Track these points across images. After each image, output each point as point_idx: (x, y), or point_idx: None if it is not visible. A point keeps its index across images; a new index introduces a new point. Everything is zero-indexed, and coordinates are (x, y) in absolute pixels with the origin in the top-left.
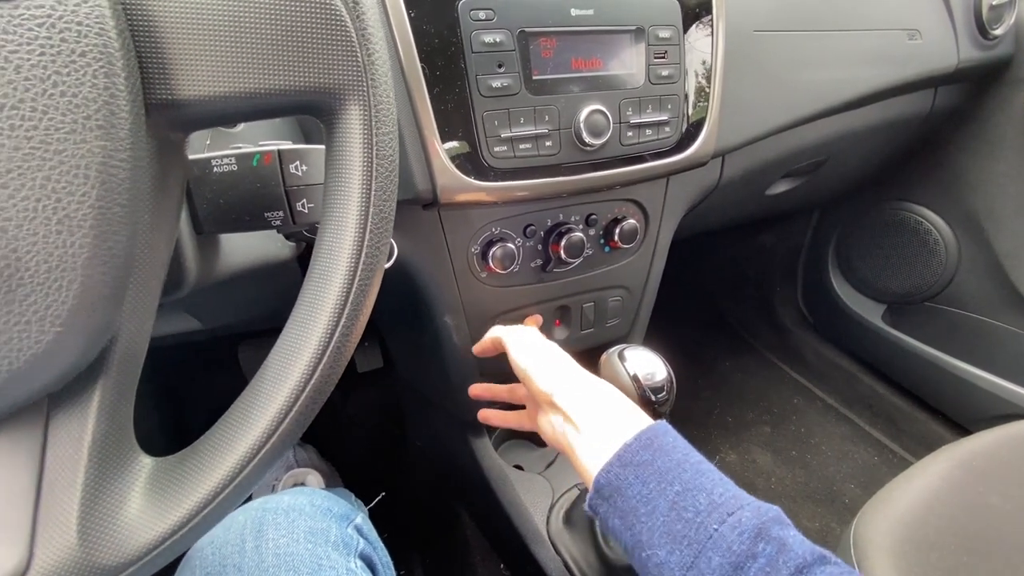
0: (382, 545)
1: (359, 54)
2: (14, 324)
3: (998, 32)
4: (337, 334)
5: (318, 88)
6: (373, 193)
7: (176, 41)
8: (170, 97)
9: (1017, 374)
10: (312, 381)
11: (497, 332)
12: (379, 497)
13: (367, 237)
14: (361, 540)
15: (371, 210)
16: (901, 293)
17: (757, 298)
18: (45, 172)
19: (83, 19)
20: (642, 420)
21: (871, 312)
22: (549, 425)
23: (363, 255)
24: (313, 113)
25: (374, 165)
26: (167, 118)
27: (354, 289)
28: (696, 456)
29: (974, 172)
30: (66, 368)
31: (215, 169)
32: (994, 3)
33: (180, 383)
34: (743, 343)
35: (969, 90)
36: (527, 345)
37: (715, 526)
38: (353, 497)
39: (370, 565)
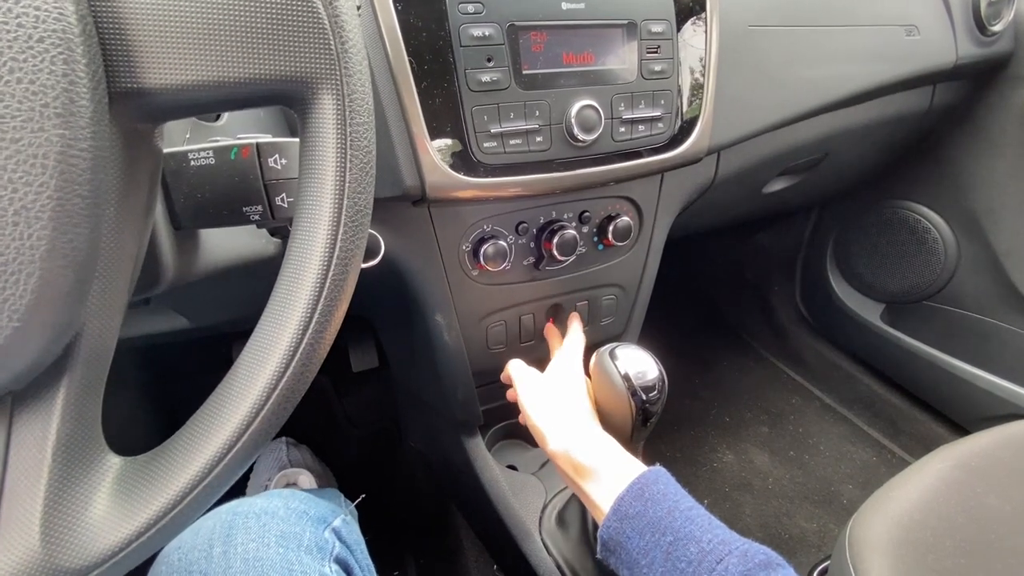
0: (363, 548)
1: (332, 42)
2: None
3: (997, 28)
4: (310, 331)
5: (289, 77)
6: (347, 185)
7: (141, 28)
8: (135, 86)
9: (1016, 374)
10: (284, 379)
11: (512, 372)
12: (360, 498)
13: (341, 231)
14: (337, 544)
15: (345, 203)
16: (900, 292)
17: (755, 297)
18: (0, 161)
19: (41, 3)
20: (635, 469)
21: (870, 311)
22: (563, 472)
23: (337, 249)
24: (286, 103)
25: (348, 156)
26: (133, 107)
27: (327, 285)
28: (686, 502)
29: (973, 170)
30: (26, 365)
31: (192, 162)
32: None
33: (174, 382)
34: (741, 342)
35: (968, 87)
36: (537, 398)
37: (705, 575)
38: (342, 498)
39: (346, 569)
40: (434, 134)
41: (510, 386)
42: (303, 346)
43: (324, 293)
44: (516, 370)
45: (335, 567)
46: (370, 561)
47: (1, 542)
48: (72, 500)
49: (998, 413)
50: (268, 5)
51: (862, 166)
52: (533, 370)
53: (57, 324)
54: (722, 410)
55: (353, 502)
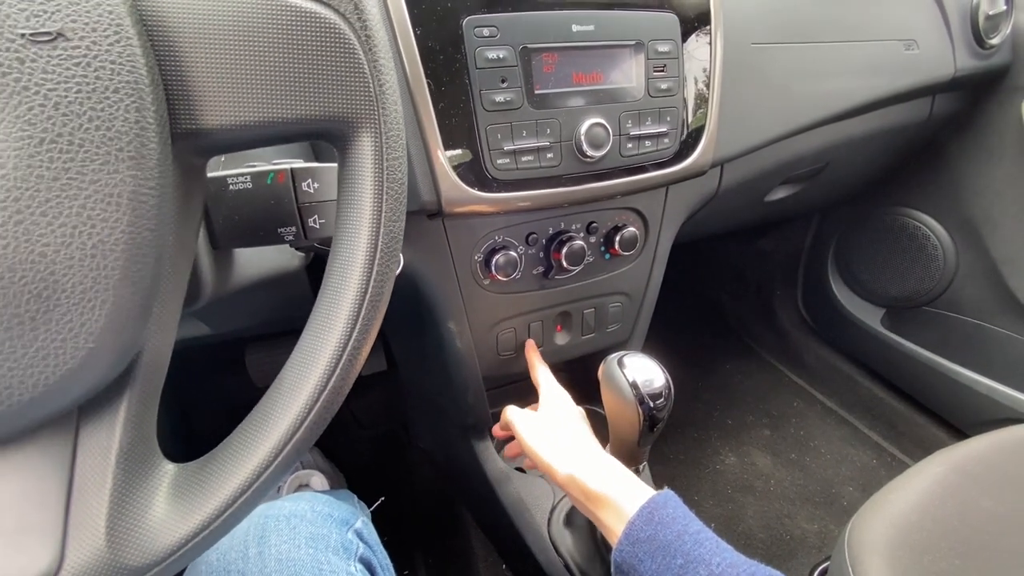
0: (382, 548)
1: (371, 85)
2: (51, 341)
3: (994, 42)
4: (350, 346)
5: (332, 117)
6: (384, 215)
7: (200, 75)
8: (194, 127)
9: (1014, 378)
10: (326, 390)
11: (509, 417)
12: (379, 501)
13: (378, 255)
14: (361, 544)
15: (382, 230)
16: (900, 297)
17: (758, 302)
18: (81, 201)
19: (116, 58)
20: (644, 493)
21: (870, 316)
22: (575, 500)
23: (374, 271)
24: (328, 139)
25: (384, 188)
26: (191, 146)
27: (366, 304)
28: (695, 525)
29: (972, 178)
30: (97, 381)
31: (231, 187)
32: (990, 13)
33: (187, 386)
34: (744, 346)
35: (967, 98)
36: (537, 433)
37: None
38: (356, 499)
39: (370, 568)
40: (450, 151)
41: (511, 384)
42: (344, 358)
43: (363, 311)
44: (513, 413)
45: (360, 566)
46: (389, 561)
47: (71, 542)
48: (134, 503)
49: (995, 417)
50: (314, 52)
51: (863, 175)
52: (528, 411)
53: (125, 344)
54: (725, 413)
55: (370, 505)
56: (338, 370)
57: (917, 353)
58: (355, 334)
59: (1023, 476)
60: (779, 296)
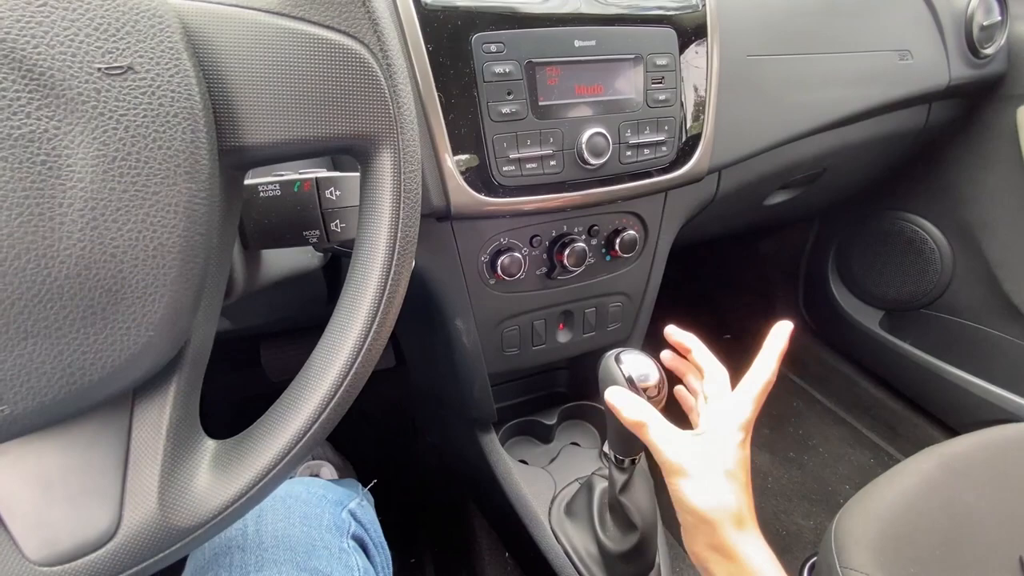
0: (377, 528)
1: (391, 107)
2: (118, 330)
3: (989, 52)
4: (371, 335)
5: (357, 135)
6: (401, 222)
7: (244, 99)
8: (238, 144)
9: (1008, 380)
10: (350, 375)
11: (647, 422)
12: (372, 483)
13: (395, 257)
14: (354, 523)
15: (399, 234)
16: (898, 300)
17: (758, 303)
18: (145, 209)
19: (176, 87)
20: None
21: (869, 318)
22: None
23: (392, 270)
24: (352, 154)
25: (402, 198)
26: (234, 160)
27: (384, 298)
28: None
29: (968, 184)
30: (153, 365)
31: (261, 194)
32: (985, 23)
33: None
34: (743, 347)
35: (962, 105)
36: (692, 476)
37: None
38: (360, 488)
39: (362, 545)
40: (459, 159)
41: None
42: (365, 348)
43: (382, 305)
44: (653, 421)
45: (352, 543)
46: (383, 540)
47: (127, 505)
48: (182, 473)
49: (990, 418)
50: (342, 78)
51: (860, 180)
52: (674, 427)
53: (178, 334)
54: None
55: (367, 489)
56: (360, 356)
57: (914, 355)
58: (375, 325)
59: (1007, 473)
60: (779, 298)
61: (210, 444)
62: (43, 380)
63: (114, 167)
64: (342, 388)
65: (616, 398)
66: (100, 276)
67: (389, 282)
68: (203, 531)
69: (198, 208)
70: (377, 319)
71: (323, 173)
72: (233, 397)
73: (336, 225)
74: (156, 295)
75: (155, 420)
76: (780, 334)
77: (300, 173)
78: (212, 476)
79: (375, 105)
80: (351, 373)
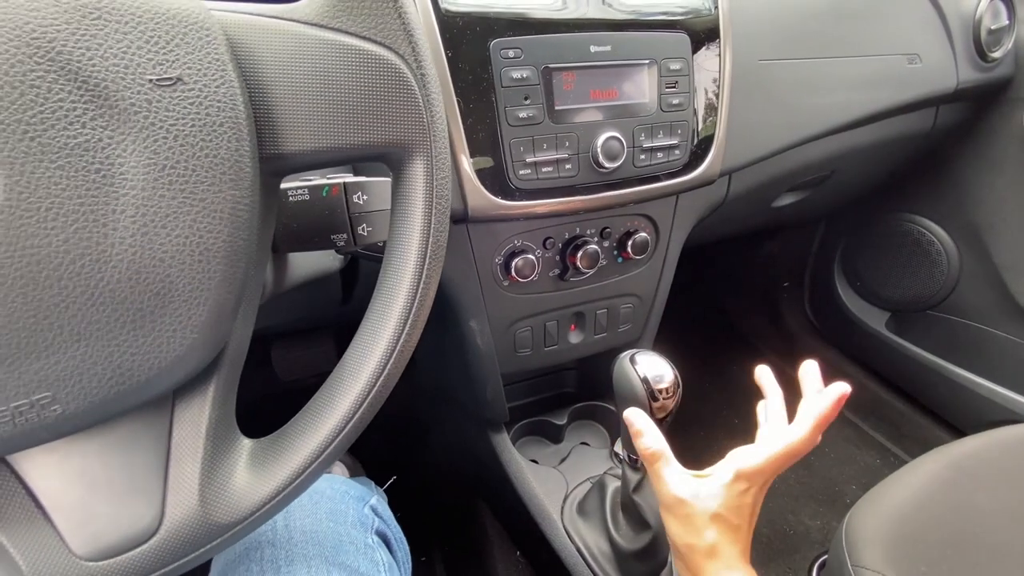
0: (396, 523)
1: (424, 116)
2: (165, 331)
3: (997, 55)
4: (401, 340)
5: (392, 143)
6: (432, 227)
7: (283, 108)
8: (277, 151)
9: (1014, 381)
10: (383, 376)
11: (661, 456)
12: (391, 480)
13: (427, 261)
14: (376, 519)
15: (431, 239)
16: (904, 302)
17: (765, 304)
18: (192, 216)
19: (222, 97)
20: None
21: (875, 319)
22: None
23: (424, 274)
24: (385, 162)
25: (434, 204)
26: (274, 167)
27: (415, 304)
28: None
29: (975, 186)
30: (196, 366)
31: (291, 198)
32: (992, 27)
33: None
34: (751, 348)
35: (970, 108)
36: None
37: None
38: (373, 484)
39: (385, 540)
40: (477, 163)
41: (527, 380)
42: (397, 349)
43: (415, 306)
44: (664, 451)
45: (376, 539)
46: (403, 535)
47: (169, 502)
48: (221, 470)
49: (997, 419)
50: (377, 88)
51: (868, 182)
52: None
53: (220, 336)
54: (731, 412)
55: (383, 486)
56: (391, 360)
57: (921, 356)
58: (407, 327)
59: (1018, 472)
60: (786, 299)
61: (247, 443)
62: (94, 381)
63: (164, 175)
64: (376, 387)
65: (637, 422)
66: (149, 280)
67: (421, 285)
68: (242, 527)
69: (242, 214)
70: (410, 321)
71: (351, 178)
72: (246, 398)
73: (363, 229)
74: (201, 298)
75: (195, 419)
76: (826, 394)
77: (328, 178)
78: (250, 474)
79: (410, 114)
80: (385, 373)
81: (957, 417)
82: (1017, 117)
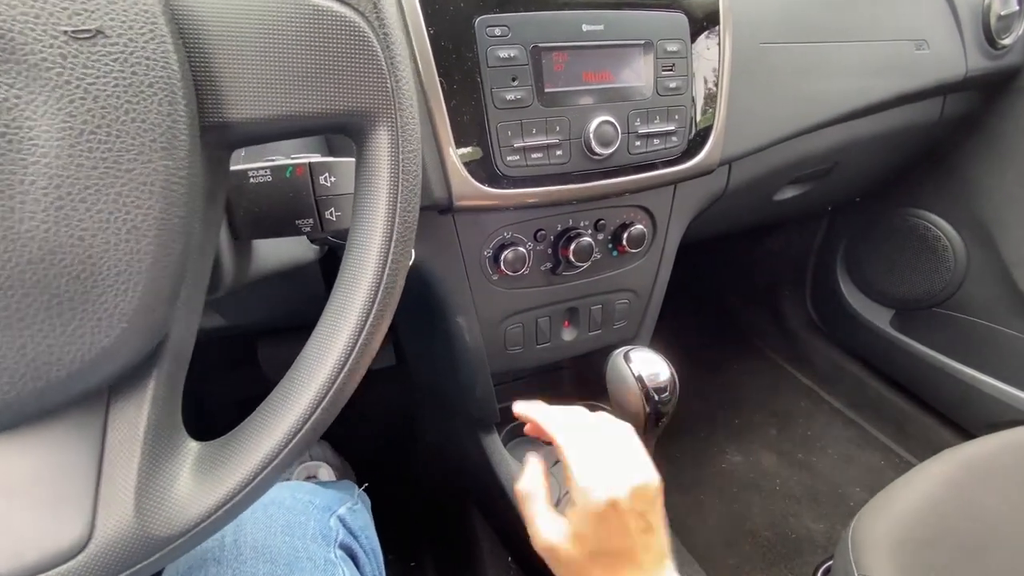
0: (370, 533)
1: (388, 81)
2: (88, 320)
3: (1007, 42)
4: (365, 331)
5: (352, 111)
6: (399, 206)
7: (228, 70)
8: (221, 120)
9: (1022, 380)
10: (342, 374)
11: (536, 416)
12: (363, 486)
13: (393, 245)
14: (342, 531)
15: (397, 220)
16: (909, 299)
17: (766, 301)
18: (117, 188)
19: (151, 54)
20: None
21: (879, 317)
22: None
23: (389, 260)
24: (346, 133)
25: (400, 180)
26: (218, 138)
27: (381, 291)
28: None
29: (983, 180)
30: (128, 359)
31: (251, 180)
32: (1002, 13)
33: (202, 377)
34: (752, 346)
35: (978, 98)
36: (578, 445)
37: None
38: (356, 490)
39: (351, 554)
40: (462, 148)
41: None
42: (359, 345)
43: (378, 298)
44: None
45: (340, 552)
46: (377, 546)
47: (101, 512)
48: (160, 477)
49: (1004, 419)
50: (334, 49)
51: (872, 175)
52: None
53: (155, 325)
54: (731, 412)
55: (377, 496)
56: (353, 354)
57: (926, 355)
58: (370, 320)
59: None
60: (788, 296)
61: (193, 447)
62: (4, 376)
63: (81, 141)
64: (334, 387)
65: (527, 461)
66: (67, 262)
67: (386, 272)
68: (183, 541)
69: (176, 188)
70: (373, 313)
71: (317, 158)
72: (231, 397)
73: (331, 213)
74: (130, 283)
75: (132, 420)
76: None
77: (293, 158)
78: (194, 481)
79: (371, 79)
80: (344, 371)
81: (963, 417)
82: None
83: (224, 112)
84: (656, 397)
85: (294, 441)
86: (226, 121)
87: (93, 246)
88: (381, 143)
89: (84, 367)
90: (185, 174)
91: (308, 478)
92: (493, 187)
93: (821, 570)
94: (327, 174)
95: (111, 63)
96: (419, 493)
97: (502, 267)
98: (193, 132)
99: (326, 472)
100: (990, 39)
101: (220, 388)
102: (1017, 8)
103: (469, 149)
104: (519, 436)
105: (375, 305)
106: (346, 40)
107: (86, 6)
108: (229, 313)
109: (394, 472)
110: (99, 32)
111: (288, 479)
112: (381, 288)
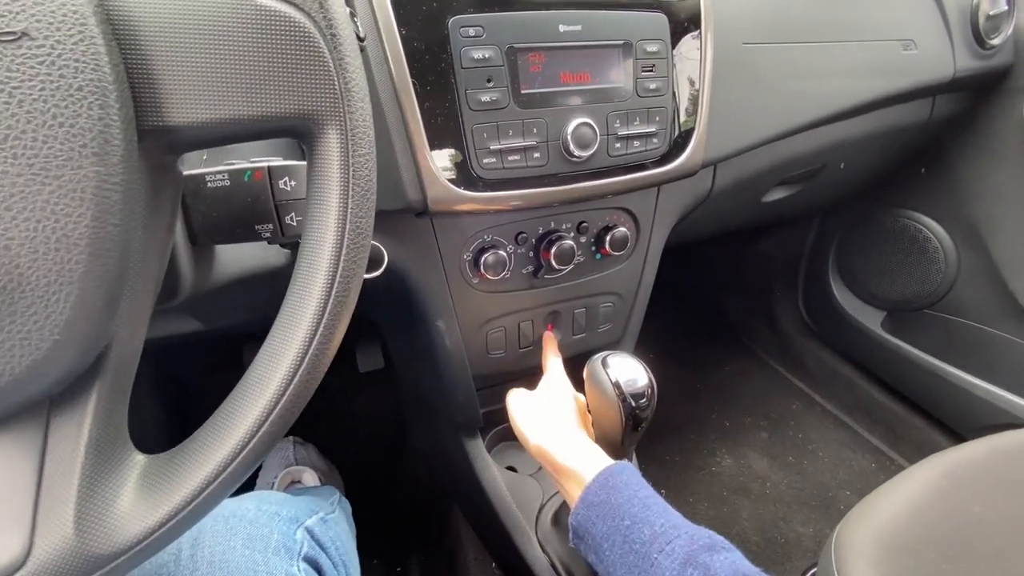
0: (342, 543)
1: (336, 82)
2: (16, 332)
3: (995, 42)
4: (316, 341)
5: (298, 114)
6: (350, 211)
7: (166, 72)
8: (161, 124)
9: (1013, 383)
10: (293, 384)
11: (509, 395)
12: (337, 496)
13: (344, 252)
14: (308, 542)
15: (348, 227)
16: (901, 300)
17: (758, 303)
18: (45, 196)
19: (80, 56)
20: (603, 462)
21: (871, 319)
22: (550, 474)
23: (340, 268)
24: (295, 136)
25: (351, 185)
26: (159, 142)
27: (332, 300)
28: (645, 491)
29: (974, 180)
30: (64, 372)
31: (209, 184)
32: (991, 13)
33: (187, 382)
34: (743, 348)
35: (968, 98)
36: (522, 406)
37: (655, 555)
38: (338, 496)
39: (316, 567)
40: (436, 151)
41: (504, 385)
42: (310, 354)
43: (329, 307)
44: (512, 393)
45: (304, 566)
46: (351, 557)
47: (39, 530)
48: (102, 493)
49: (996, 422)
50: (278, 49)
51: (862, 176)
52: (524, 390)
53: (90, 337)
54: (722, 414)
55: (364, 501)
56: (304, 364)
57: (917, 357)
58: (321, 329)
59: (1016, 481)
60: (779, 298)
61: (139, 460)
62: None
63: (5, 147)
64: (284, 399)
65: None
66: None
67: (338, 281)
68: (126, 558)
69: (110, 194)
70: (324, 323)
71: (278, 162)
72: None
73: (291, 219)
74: (61, 293)
75: (72, 434)
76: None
77: (252, 162)
78: (137, 497)
79: (317, 80)
80: (295, 382)
81: (954, 420)
82: (1017, 107)
83: (164, 116)
84: (633, 403)
85: (242, 455)
86: (166, 125)
87: (20, 255)
88: (331, 147)
89: (15, 380)
90: (119, 180)
91: (292, 483)
92: (469, 190)
93: (808, 575)
94: (287, 178)
95: (37, 66)
96: (405, 497)
97: (482, 271)
98: (129, 137)
99: (311, 477)
100: (979, 39)
101: (207, 392)
102: (1006, 8)
103: (444, 151)
104: (503, 441)
105: (326, 315)
106: (290, 41)
107: (10, 7)
108: (203, 317)
109: (382, 476)
110: (24, 34)
111: (273, 483)
112: (332, 297)
